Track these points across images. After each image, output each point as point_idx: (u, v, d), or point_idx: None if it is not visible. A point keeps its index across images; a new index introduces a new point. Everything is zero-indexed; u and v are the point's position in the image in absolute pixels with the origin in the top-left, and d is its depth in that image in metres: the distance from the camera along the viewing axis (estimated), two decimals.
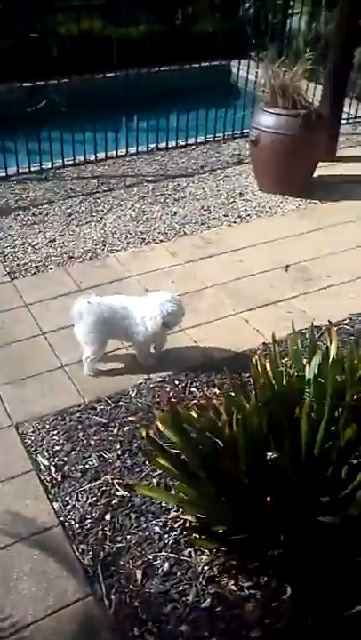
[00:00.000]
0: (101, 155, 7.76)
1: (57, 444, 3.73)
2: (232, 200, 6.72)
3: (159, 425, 3.12)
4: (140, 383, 4.19)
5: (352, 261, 5.59)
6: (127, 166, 7.59)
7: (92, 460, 3.58)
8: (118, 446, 3.65)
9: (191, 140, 8.23)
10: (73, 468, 3.55)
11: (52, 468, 3.56)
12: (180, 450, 2.99)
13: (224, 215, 6.40)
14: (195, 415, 3.21)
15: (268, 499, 2.67)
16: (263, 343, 4.54)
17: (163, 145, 8.10)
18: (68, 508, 3.31)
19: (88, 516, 3.26)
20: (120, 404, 4.01)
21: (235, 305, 4.99)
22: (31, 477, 3.51)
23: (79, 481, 3.46)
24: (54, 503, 3.34)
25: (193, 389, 4.10)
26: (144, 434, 2.92)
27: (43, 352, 4.50)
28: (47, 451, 3.69)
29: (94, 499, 3.34)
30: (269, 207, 6.56)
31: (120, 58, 7.64)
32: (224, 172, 7.42)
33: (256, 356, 3.31)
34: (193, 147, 8.17)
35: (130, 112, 8.02)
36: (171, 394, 4.04)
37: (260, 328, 4.72)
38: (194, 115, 8.23)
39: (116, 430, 3.78)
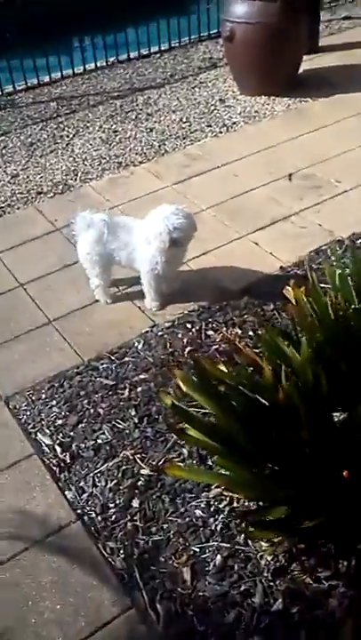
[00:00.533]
0: (56, 75, 6.82)
1: (58, 417, 3.08)
2: (213, 108, 5.90)
3: (180, 385, 2.45)
4: (146, 332, 3.52)
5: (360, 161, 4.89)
6: (88, 84, 6.69)
7: (103, 433, 2.94)
8: (133, 412, 3.01)
9: (154, 48, 7.30)
10: (83, 446, 2.91)
11: (58, 448, 2.92)
12: (213, 416, 2.35)
13: (207, 126, 5.61)
14: (224, 369, 2.55)
15: (345, 472, 2.06)
16: (281, 267, 3.87)
17: (124, 57, 7.17)
18: (84, 496, 2.69)
19: (111, 505, 2.64)
20: (126, 359, 3.35)
21: (239, 226, 4.29)
22: (33, 463, 2.87)
23: (93, 461, 2.83)
24: (67, 492, 2.72)
25: (210, 332, 3.45)
26: (168, 403, 2.26)
27: (24, 307, 3.81)
28: (48, 427, 3.04)
29: (115, 482, 2.72)
30: (256, 111, 5.77)
31: None
32: (198, 79, 6.56)
33: (289, 287, 2.62)
34: (157, 55, 7.26)
35: (83, 29, 7.01)
36: (185, 341, 3.37)
37: (274, 250, 4.04)
38: (154, 24, 7.23)
39: (127, 393, 3.13)
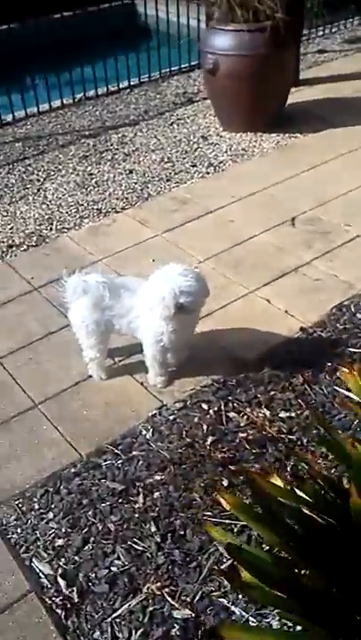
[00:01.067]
0: (20, 113, 6.27)
1: (58, 536, 2.46)
2: (195, 146, 5.43)
3: (225, 505, 1.89)
4: (154, 415, 2.94)
5: None
6: (55, 123, 6.16)
7: (118, 558, 2.33)
8: (153, 528, 2.41)
9: (124, 84, 6.82)
10: (93, 576, 2.30)
11: (61, 581, 2.30)
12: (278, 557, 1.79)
13: (192, 165, 5.11)
14: (281, 484, 2.00)
15: None
16: (302, 329, 3.35)
17: (91, 93, 6.67)
18: None
19: None
20: (134, 454, 2.75)
21: (244, 280, 3.76)
22: (31, 605, 2.25)
23: (108, 598, 2.22)
24: None
25: (231, 414, 2.89)
26: (219, 539, 1.68)
27: (2, 388, 3.20)
28: (46, 549, 2.42)
29: (141, 631, 2.11)
30: (243, 149, 5.31)
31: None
32: (175, 115, 6.10)
33: (344, 370, 2.08)
34: (127, 91, 6.79)
35: (46, 64, 6.46)
36: (204, 427, 2.80)
37: (290, 308, 3.52)
38: (121, 59, 6.74)
39: (141, 500, 2.53)
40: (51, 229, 4.45)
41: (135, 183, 4.93)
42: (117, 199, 4.74)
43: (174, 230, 4.31)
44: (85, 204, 4.70)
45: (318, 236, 4.12)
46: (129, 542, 2.38)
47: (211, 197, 4.64)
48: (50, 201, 4.78)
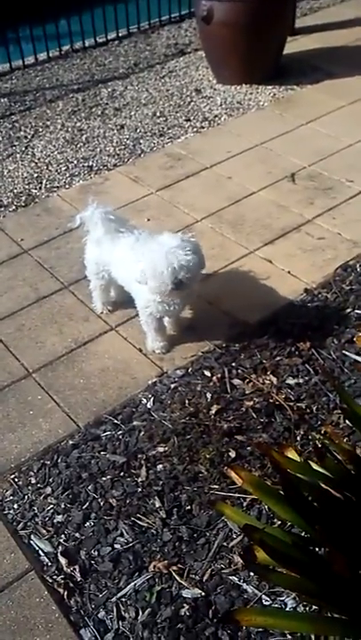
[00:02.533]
0: (4, 66, 5.98)
1: (57, 511, 2.34)
2: (189, 100, 5.19)
3: (237, 480, 1.77)
4: (154, 384, 2.81)
5: None
6: (41, 77, 5.87)
7: (122, 535, 2.22)
8: (157, 503, 2.30)
9: (112, 35, 6.51)
10: (96, 554, 2.18)
11: (62, 559, 2.18)
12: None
13: (185, 120, 4.89)
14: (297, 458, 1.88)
15: None
16: (306, 290, 3.20)
17: (78, 45, 6.36)
18: (109, 637, 1.96)
19: None
20: (135, 424, 2.63)
21: (245, 240, 3.60)
22: (31, 584, 2.13)
23: (112, 577, 2.11)
24: (82, 631, 1.98)
25: (236, 381, 2.76)
26: (235, 520, 1.56)
27: None
28: (45, 525, 2.31)
29: (149, 611, 2.01)
30: (238, 102, 5.07)
31: None
32: (166, 67, 5.83)
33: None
34: (116, 42, 6.48)
35: (31, 16, 6.12)
36: (208, 395, 2.67)
37: (293, 268, 3.37)
38: (109, 9, 6.41)
39: (144, 474, 2.41)
40: (40, 189, 4.25)
41: (127, 139, 4.71)
42: (109, 156, 4.53)
43: (169, 188, 4.12)
44: (76, 162, 4.49)
45: (320, 192, 3.95)
46: (132, 518, 2.27)
47: (206, 153, 4.44)
48: (38, 159, 4.57)
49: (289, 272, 3.35)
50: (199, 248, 2.69)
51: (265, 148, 4.45)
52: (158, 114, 5.02)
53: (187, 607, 1.99)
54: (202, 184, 4.13)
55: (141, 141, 4.67)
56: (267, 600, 1.98)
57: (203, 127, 4.80)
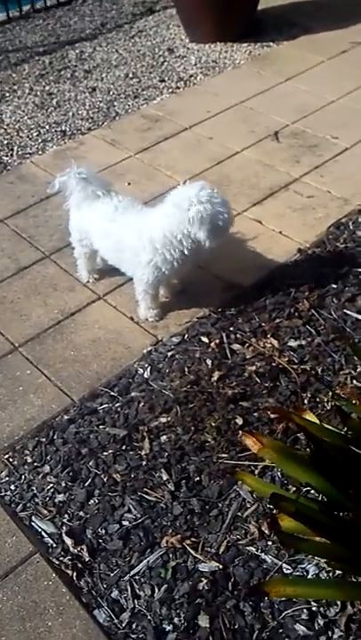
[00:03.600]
0: None
1: (58, 490, 2.22)
2: (162, 60, 5.00)
3: (253, 447, 1.68)
4: (150, 352, 2.68)
5: (354, 112, 4.14)
6: (2, 38, 5.61)
7: (129, 511, 2.11)
8: (164, 475, 2.19)
9: None
10: (103, 532, 2.07)
11: (67, 540, 2.07)
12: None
13: (160, 81, 4.70)
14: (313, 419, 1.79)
15: None
16: (300, 250, 3.09)
17: (40, 4, 6.08)
18: (124, 617, 1.88)
19: (169, 628, 1.82)
20: (133, 395, 2.50)
21: (232, 201, 3.40)
22: (37, 567, 2.01)
23: (123, 555, 2.00)
24: (96, 612, 1.88)
25: (236, 346, 2.64)
26: (260, 490, 1.46)
27: None
28: (46, 505, 2.18)
29: (165, 587, 1.90)
30: (213, 61, 4.90)
31: None
32: (135, 27, 5.61)
33: None
34: (79, 1, 6.20)
35: None
36: (208, 362, 2.56)
37: (284, 228, 3.25)
38: None
39: (147, 446, 2.30)
40: (11, 155, 4.05)
41: (100, 102, 4.51)
42: (82, 119, 4.33)
43: (149, 150, 3.95)
44: (47, 127, 4.28)
45: (305, 150, 3.83)
46: (139, 493, 2.16)
47: (184, 114, 4.27)
48: (7, 125, 4.35)
49: (280, 232, 3.24)
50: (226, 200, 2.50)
51: (245, 107, 4.30)
52: (131, 75, 4.82)
53: (205, 581, 1.89)
54: (182, 145, 3.97)
55: (115, 104, 4.48)
56: (287, 569, 1.89)
57: (178, 87, 4.62)
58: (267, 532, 1.96)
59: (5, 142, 4.17)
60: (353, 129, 3.94)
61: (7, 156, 4.05)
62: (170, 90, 4.57)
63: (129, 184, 3.67)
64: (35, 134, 4.23)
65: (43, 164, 3.93)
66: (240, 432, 2.17)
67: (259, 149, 3.86)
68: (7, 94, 4.71)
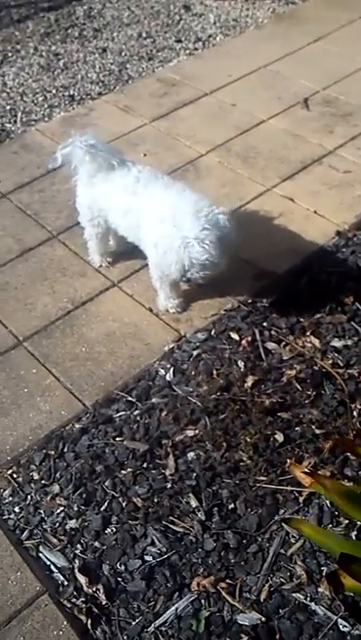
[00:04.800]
0: None
1: (69, 515, 1.92)
2: (177, 18, 4.59)
3: (331, 496, 1.37)
4: (172, 350, 2.35)
5: None
6: None
7: (153, 544, 1.80)
8: (193, 501, 1.88)
9: None
10: (122, 569, 1.77)
11: (81, 577, 1.76)
12: None
13: (176, 41, 4.30)
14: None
15: None
16: (338, 233, 2.74)
17: None
18: None
19: None
20: (154, 401, 2.19)
21: (259, 175, 3.11)
22: (45, 613, 1.71)
23: (147, 599, 1.70)
24: None
25: (270, 345, 2.31)
26: (341, 562, 1.15)
27: None
28: (55, 533, 1.88)
29: None
30: (234, 20, 4.49)
31: None
32: None
33: None
34: None
35: None
36: (240, 363, 2.23)
37: (319, 207, 2.91)
38: None
39: (172, 464, 1.99)
40: (15, 122, 3.69)
41: (111, 64, 4.13)
42: (92, 83, 3.95)
43: (165, 117, 3.59)
44: (54, 91, 3.91)
45: (339, 119, 3.46)
46: (164, 522, 1.85)
47: (204, 78, 3.89)
48: (10, 88, 3.97)
49: (315, 212, 2.89)
50: (227, 231, 2.14)
51: (270, 71, 3.91)
52: (144, 35, 4.42)
53: (245, 638, 1.58)
54: (202, 113, 3.60)
55: (128, 66, 4.10)
56: (344, 625, 1.59)
57: (196, 49, 4.23)
58: (326, 591, 1.65)
59: (8, 108, 3.80)
60: None
61: (10, 122, 3.69)
62: (187, 51, 4.18)
63: (145, 155, 3.32)
64: (40, 99, 3.86)
65: (49, 132, 3.57)
66: (288, 462, 1.85)
67: (287, 118, 3.49)
68: (10, 54, 4.32)
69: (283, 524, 1.78)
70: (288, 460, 1.82)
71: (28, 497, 1.99)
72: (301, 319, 2.37)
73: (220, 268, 2.14)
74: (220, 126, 3.45)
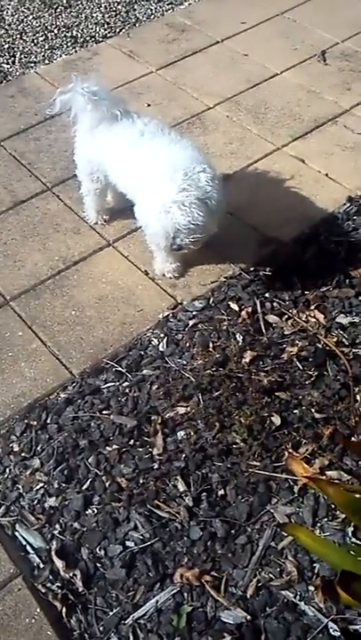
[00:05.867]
0: None
1: (49, 492, 1.81)
2: None
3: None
4: (167, 318, 2.21)
5: None
6: None
7: (135, 528, 1.69)
8: (181, 485, 1.76)
9: None
10: (102, 553, 1.66)
11: (58, 561, 1.66)
12: None
13: None
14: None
15: None
16: (349, 198, 2.57)
17: None
18: None
19: None
20: (144, 372, 2.05)
21: (269, 133, 2.92)
22: (17, 597, 1.60)
23: (126, 588, 1.60)
24: None
25: (271, 317, 2.16)
26: (342, 580, 1.03)
27: None
28: (33, 511, 1.77)
29: (179, 638, 1.49)
30: None
31: None
32: None
33: None
34: None
35: None
36: (238, 336, 2.09)
37: (331, 170, 2.73)
38: None
39: (160, 442, 1.87)
40: (13, 63, 3.47)
41: (118, 3, 3.88)
42: (97, 24, 3.71)
43: (173, 66, 3.37)
44: (56, 31, 3.67)
45: (358, 75, 3.24)
46: (148, 505, 1.73)
47: (215, 24, 3.65)
48: (9, 25, 3.74)
49: (327, 175, 2.72)
50: (210, 189, 1.95)
51: (287, 19, 3.67)
52: None
53: (228, 638, 1.48)
54: (212, 62, 3.38)
55: (136, 7, 3.85)
56: (335, 630, 1.48)
57: None
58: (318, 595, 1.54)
59: (6, 46, 3.58)
60: None
61: (8, 63, 3.47)
62: None
63: (148, 105, 3.12)
64: (41, 39, 3.63)
65: (49, 77, 3.35)
66: (286, 454, 1.72)
67: (302, 72, 3.28)
68: None
69: (274, 514, 1.67)
70: (286, 453, 1.70)
71: (7, 470, 1.88)
72: (306, 291, 2.22)
73: (209, 230, 1.98)
74: (230, 78, 3.24)
